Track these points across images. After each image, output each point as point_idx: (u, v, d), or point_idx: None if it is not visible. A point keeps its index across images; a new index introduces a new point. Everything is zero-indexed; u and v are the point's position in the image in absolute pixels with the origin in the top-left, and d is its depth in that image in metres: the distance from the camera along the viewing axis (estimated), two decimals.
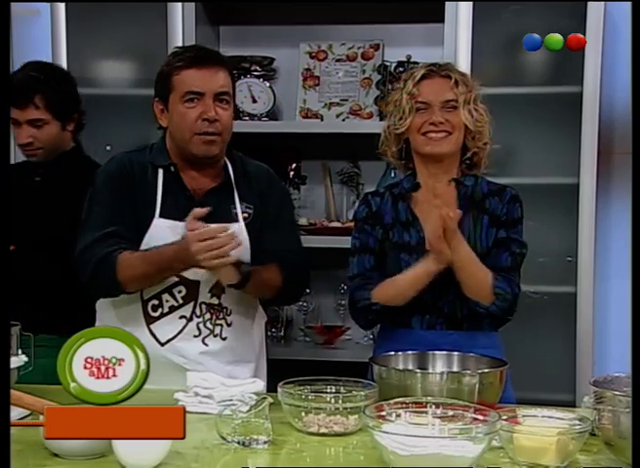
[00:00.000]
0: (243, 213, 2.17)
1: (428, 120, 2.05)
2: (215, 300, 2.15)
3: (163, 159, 2.16)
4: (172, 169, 2.15)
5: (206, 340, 2.15)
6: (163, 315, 2.14)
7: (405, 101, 2.07)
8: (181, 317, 2.14)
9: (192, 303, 2.13)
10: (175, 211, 2.11)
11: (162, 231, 2.11)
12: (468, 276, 2.01)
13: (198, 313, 2.14)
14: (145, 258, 2.06)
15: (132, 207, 2.13)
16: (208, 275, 2.10)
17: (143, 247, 2.11)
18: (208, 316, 2.15)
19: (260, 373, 2.24)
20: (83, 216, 2.18)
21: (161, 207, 2.13)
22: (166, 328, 2.13)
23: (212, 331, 2.15)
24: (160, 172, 2.15)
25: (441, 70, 2.08)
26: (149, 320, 2.13)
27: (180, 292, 2.13)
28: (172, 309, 2.13)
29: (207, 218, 2.11)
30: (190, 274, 2.11)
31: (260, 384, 1.93)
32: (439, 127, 2.04)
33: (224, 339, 2.17)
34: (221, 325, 2.16)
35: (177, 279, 2.12)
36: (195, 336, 2.14)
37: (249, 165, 2.25)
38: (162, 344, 2.13)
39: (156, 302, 2.13)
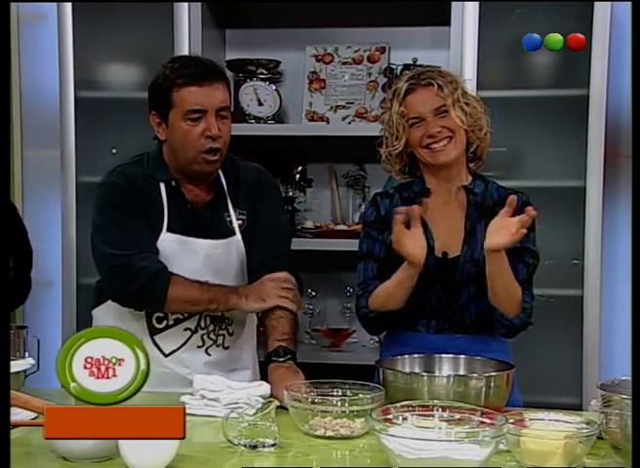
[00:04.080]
0: (237, 220, 2.18)
1: (426, 133, 2.03)
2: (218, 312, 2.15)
3: (163, 173, 2.15)
4: (173, 183, 2.15)
5: (209, 350, 2.16)
6: (168, 327, 2.14)
7: (396, 121, 2.04)
8: (186, 329, 2.15)
9: (197, 316, 2.14)
10: (180, 224, 2.13)
11: (169, 245, 2.12)
12: (502, 289, 1.98)
13: (203, 325, 2.15)
14: (203, 284, 2.07)
15: (139, 220, 2.11)
16: None
17: None
18: (212, 327, 2.16)
19: (256, 378, 2.24)
20: (100, 228, 2.14)
21: (168, 221, 2.13)
22: (171, 339, 2.14)
23: (215, 342, 2.17)
24: (162, 185, 2.15)
25: (421, 80, 2.05)
26: (154, 331, 2.14)
27: None
28: (177, 322, 2.14)
29: (208, 230, 2.13)
30: None
31: (267, 387, 1.93)
32: (438, 136, 2.02)
33: (227, 348, 2.19)
34: (224, 335, 2.18)
35: None
36: (199, 347, 2.15)
37: (239, 168, 2.24)
38: (166, 355, 2.14)
39: (161, 315, 2.14)
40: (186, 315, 2.14)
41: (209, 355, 2.16)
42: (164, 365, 2.11)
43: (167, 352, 2.14)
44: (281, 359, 2.02)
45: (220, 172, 2.18)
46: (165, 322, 2.14)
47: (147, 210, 2.13)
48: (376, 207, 2.14)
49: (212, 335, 2.16)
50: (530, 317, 2.05)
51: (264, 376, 2.21)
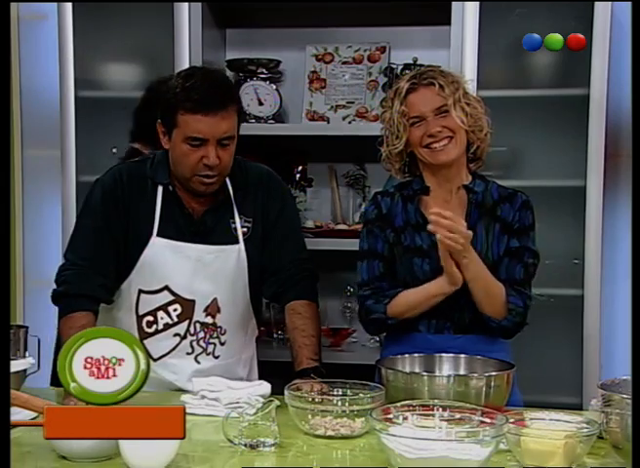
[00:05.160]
0: (242, 228, 2.16)
1: (426, 132, 2.02)
2: (209, 319, 2.15)
3: (163, 176, 2.14)
4: (170, 188, 2.14)
5: (198, 358, 2.16)
6: (157, 332, 2.14)
7: (397, 120, 2.04)
8: (175, 335, 2.14)
9: (187, 322, 2.14)
10: (173, 229, 2.12)
11: (159, 250, 2.11)
12: (481, 292, 2.00)
13: (192, 331, 2.14)
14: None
15: (124, 225, 2.12)
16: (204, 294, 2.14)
17: (140, 265, 2.11)
18: (202, 334, 2.15)
19: None
20: (77, 224, 2.19)
21: (159, 225, 2.12)
22: (159, 344, 2.14)
23: (205, 350, 2.16)
24: (160, 188, 2.14)
25: (423, 80, 2.04)
26: (143, 335, 2.13)
27: (175, 310, 2.13)
28: (166, 327, 2.14)
29: (206, 236, 2.12)
30: (186, 293, 2.12)
31: (267, 387, 1.93)
32: (439, 136, 2.02)
33: (217, 358, 2.17)
34: (215, 344, 2.17)
35: (172, 297, 2.12)
36: (188, 354, 2.15)
37: (249, 172, 2.22)
38: (154, 360, 2.12)
39: (151, 319, 2.14)
40: (176, 320, 2.13)
41: (198, 363, 2.15)
42: (152, 370, 2.08)
43: (155, 357, 2.12)
44: (318, 379, 1.97)
45: (227, 178, 2.15)
46: (155, 326, 2.13)
47: (132, 211, 2.12)
48: (377, 205, 2.14)
49: (201, 343, 2.15)
50: (522, 318, 2.04)
51: (271, 380, 2.22)
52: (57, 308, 2.68)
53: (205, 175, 2.06)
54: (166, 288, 2.12)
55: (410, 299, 2.03)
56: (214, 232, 2.14)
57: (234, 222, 2.16)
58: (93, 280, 2.09)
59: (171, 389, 2.11)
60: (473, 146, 2.09)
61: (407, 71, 3.00)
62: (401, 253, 2.07)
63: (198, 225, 2.14)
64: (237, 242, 2.15)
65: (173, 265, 2.11)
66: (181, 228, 2.12)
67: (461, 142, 2.05)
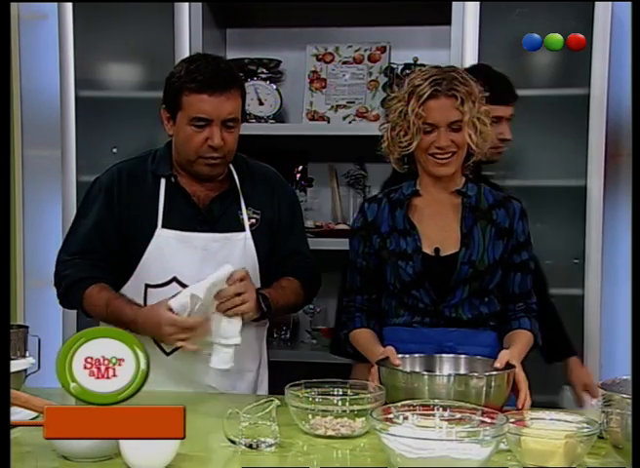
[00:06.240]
0: (250, 219, 2.17)
1: (435, 143, 2.01)
2: None
3: (165, 169, 2.15)
4: (172, 179, 2.14)
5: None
6: None
7: (412, 121, 2.02)
8: None
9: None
10: (178, 220, 2.12)
11: (166, 241, 2.11)
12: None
13: None
14: (109, 307, 2.06)
15: (121, 223, 2.12)
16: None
17: (147, 257, 2.11)
18: None
19: (261, 380, 2.26)
20: (71, 224, 2.22)
21: (164, 217, 2.12)
22: None
23: None
24: (162, 181, 2.15)
25: (447, 89, 2.01)
26: None
27: None
28: None
29: (213, 225, 2.12)
30: (195, 283, 2.11)
31: (228, 268, 1.98)
32: (446, 149, 2.02)
33: None
34: None
35: (181, 289, 2.09)
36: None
37: (254, 167, 2.24)
38: (167, 354, 2.12)
39: None
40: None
41: (210, 354, 2.15)
42: (166, 364, 2.10)
43: (168, 351, 2.11)
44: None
45: (233, 168, 2.18)
46: None
47: (133, 208, 2.12)
48: (362, 214, 2.14)
49: None
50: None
51: (271, 380, 2.23)
52: (57, 308, 2.69)
53: (209, 156, 2.07)
54: (174, 279, 2.12)
55: (359, 344, 2.10)
56: (221, 221, 2.14)
57: (242, 213, 2.17)
58: (87, 266, 2.12)
59: (184, 383, 2.10)
60: (472, 158, 2.09)
61: (407, 71, 3.00)
62: (387, 257, 2.08)
63: (205, 214, 2.14)
64: (243, 230, 2.15)
65: (180, 256, 2.11)
66: (188, 218, 2.13)
67: (463, 156, 2.06)
